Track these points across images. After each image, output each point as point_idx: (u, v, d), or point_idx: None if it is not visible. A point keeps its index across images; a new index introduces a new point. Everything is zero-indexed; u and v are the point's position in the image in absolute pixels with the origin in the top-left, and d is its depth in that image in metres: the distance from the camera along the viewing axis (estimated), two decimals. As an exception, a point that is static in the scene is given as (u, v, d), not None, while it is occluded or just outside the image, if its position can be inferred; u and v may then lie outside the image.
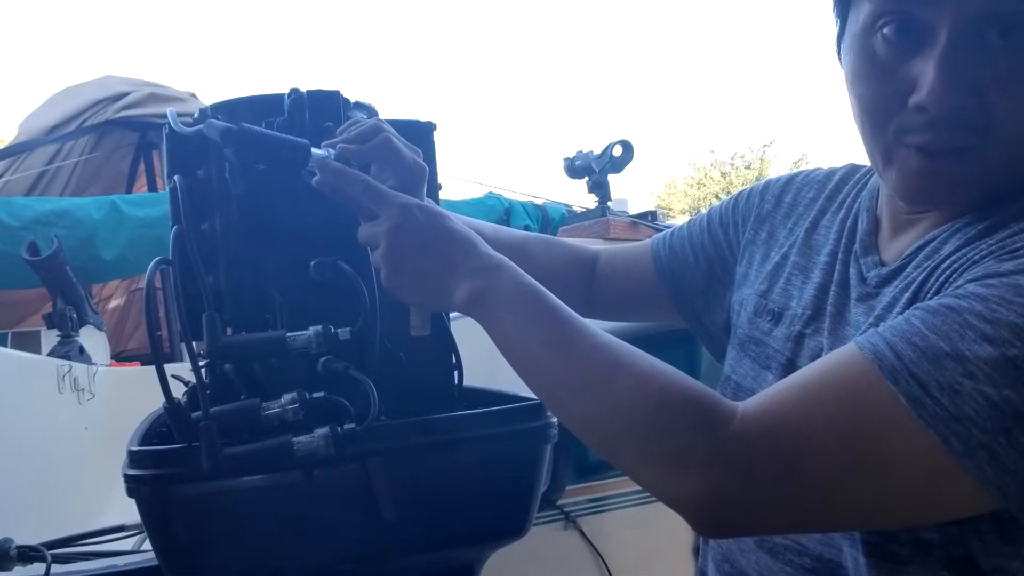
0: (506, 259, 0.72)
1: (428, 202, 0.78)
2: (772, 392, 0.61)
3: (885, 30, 0.64)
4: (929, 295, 0.63)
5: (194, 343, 0.77)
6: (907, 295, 0.66)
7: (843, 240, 0.77)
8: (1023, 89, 0.61)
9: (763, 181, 0.93)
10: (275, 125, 0.84)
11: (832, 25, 0.72)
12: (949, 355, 0.54)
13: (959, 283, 0.59)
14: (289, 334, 0.77)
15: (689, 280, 0.95)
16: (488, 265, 0.70)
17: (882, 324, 0.61)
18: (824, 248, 0.79)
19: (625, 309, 1.06)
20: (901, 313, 0.63)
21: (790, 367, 0.76)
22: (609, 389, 0.62)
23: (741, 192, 0.94)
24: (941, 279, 0.63)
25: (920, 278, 0.65)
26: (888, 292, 0.69)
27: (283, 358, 0.78)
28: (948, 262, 0.63)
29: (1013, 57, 0.60)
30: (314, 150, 0.78)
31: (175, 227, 0.79)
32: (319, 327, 0.76)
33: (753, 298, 0.84)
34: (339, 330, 0.77)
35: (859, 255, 0.75)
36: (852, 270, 0.74)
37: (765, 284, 0.83)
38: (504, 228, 1.04)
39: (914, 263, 0.68)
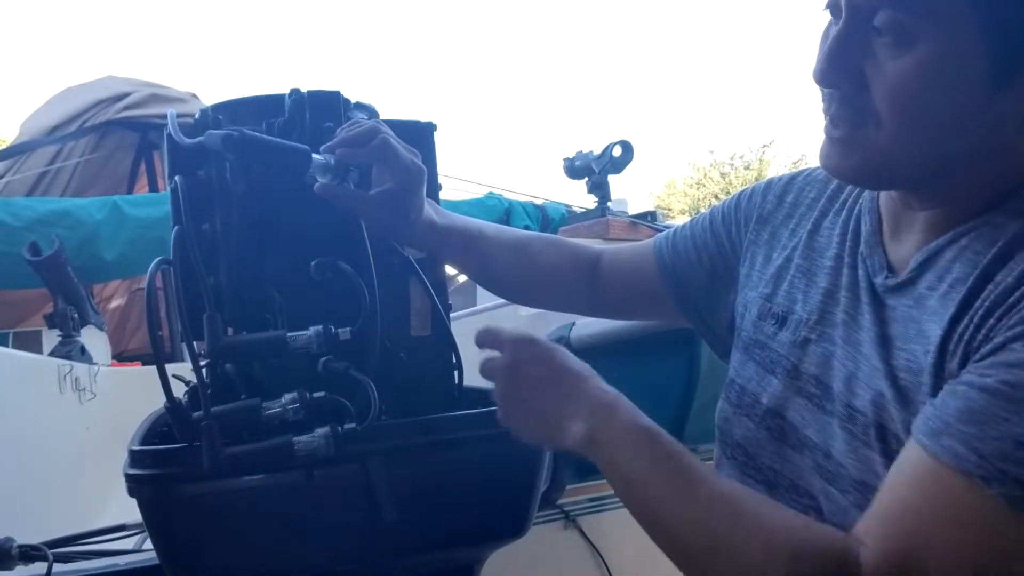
0: (618, 395, 0.72)
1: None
2: (884, 533, 0.59)
3: (826, 9, 0.69)
4: (965, 340, 0.61)
5: (195, 343, 0.77)
6: (935, 328, 0.64)
7: (847, 243, 0.77)
8: (896, 86, 0.63)
9: (765, 180, 0.92)
10: (276, 125, 0.84)
11: None
12: None
13: (999, 339, 0.58)
14: (290, 334, 0.77)
15: (692, 280, 0.94)
16: (602, 403, 0.71)
17: (944, 404, 0.59)
18: (827, 251, 0.79)
19: (628, 308, 1.06)
20: (917, 339, 0.63)
21: (795, 372, 0.76)
22: (738, 548, 0.62)
23: (743, 191, 0.93)
24: (975, 323, 0.61)
25: (942, 308, 0.64)
26: (900, 306, 0.68)
27: (284, 358, 0.78)
28: (973, 297, 0.62)
29: (887, 55, 0.63)
30: (315, 156, 0.78)
31: (176, 227, 0.79)
32: (319, 327, 0.77)
33: (757, 301, 0.83)
34: (339, 330, 0.77)
35: (865, 255, 0.74)
36: (860, 272, 0.74)
37: (769, 287, 0.83)
38: (506, 228, 1.04)
39: (924, 281, 0.67)
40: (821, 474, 0.72)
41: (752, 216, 0.90)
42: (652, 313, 1.06)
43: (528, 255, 0.99)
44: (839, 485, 0.70)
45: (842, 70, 0.65)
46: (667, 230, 1.00)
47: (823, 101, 0.69)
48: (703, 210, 1.01)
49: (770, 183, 0.91)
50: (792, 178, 0.89)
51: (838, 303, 0.74)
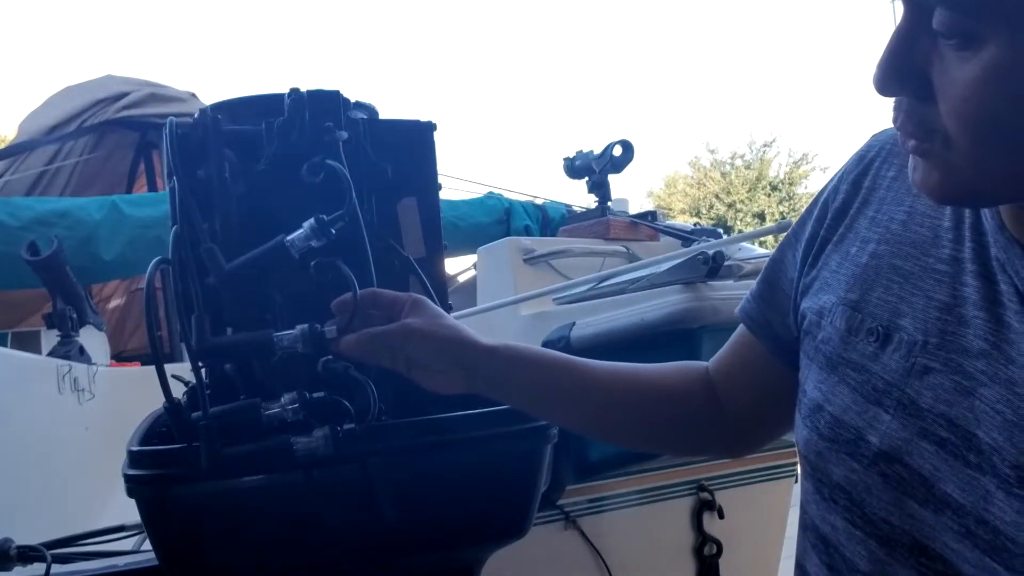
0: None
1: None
2: None
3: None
4: None
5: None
6: None
7: (967, 242, 0.61)
8: (962, 98, 0.51)
9: (836, 175, 0.75)
10: (275, 125, 0.84)
11: None
12: None
13: None
14: (276, 334, 0.76)
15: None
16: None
17: None
18: (935, 249, 0.63)
19: (767, 423, 0.83)
20: None
21: (914, 409, 0.61)
22: None
23: (807, 216, 0.76)
24: None
25: None
26: None
27: (271, 357, 0.77)
28: None
29: (955, 61, 0.51)
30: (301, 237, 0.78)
31: (175, 227, 0.79)
32: (305, 326, 0.76)
33: (841, 309, 0.67)
34: (326, 328, 0.76)
35: (1004, 263, 0.59)
36: (1003, 285, 0.58)
37: (856, 292, 0.67)
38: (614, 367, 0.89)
39: None
40: (975, 543, 0.57)
41: (826, 216, 0.73)
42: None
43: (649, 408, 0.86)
44: (1006, 560, 0.55)
45: (902, 77, 0.54)
46: (744, 298, 0.82)
47: (892, 110, 0.57)
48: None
49: (843, 174, 0.74)
50: (862, 156, 0.73)
51: (967, 324, 0.59)
